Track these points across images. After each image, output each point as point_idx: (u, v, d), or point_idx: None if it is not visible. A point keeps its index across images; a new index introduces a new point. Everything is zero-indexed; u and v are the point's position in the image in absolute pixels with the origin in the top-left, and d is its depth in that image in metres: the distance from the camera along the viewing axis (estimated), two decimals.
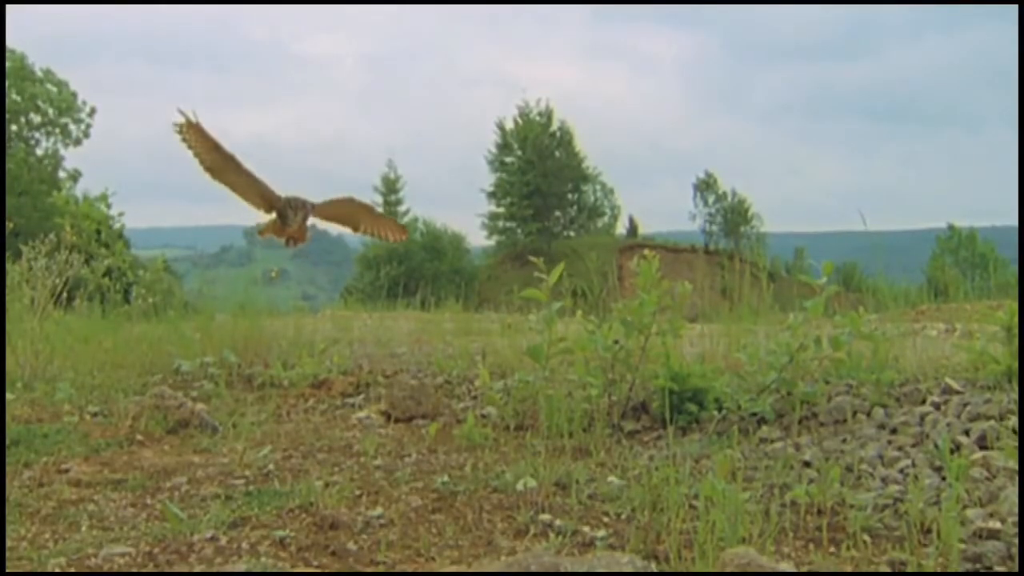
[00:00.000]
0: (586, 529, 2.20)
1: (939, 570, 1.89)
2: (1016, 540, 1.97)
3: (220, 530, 2.19)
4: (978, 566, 1.91)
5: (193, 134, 3.09)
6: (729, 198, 41.29)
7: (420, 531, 2.21)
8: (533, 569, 1.76)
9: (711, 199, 41.39)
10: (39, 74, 29.78)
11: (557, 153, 38.73)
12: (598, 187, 41.04)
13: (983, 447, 2.64)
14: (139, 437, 3.36)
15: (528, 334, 4.04)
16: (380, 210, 4.32)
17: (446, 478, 2.68)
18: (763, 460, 2.75)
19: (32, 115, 29.73)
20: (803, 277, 3.61)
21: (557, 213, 39.46)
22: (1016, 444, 2.57)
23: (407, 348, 5.51)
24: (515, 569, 1.80)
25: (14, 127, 29.01)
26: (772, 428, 3.14)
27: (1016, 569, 1.89)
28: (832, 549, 2.05)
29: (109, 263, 6.43)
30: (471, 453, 3.09)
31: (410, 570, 1.98)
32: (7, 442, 3.12)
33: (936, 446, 2.62)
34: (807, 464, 2.69)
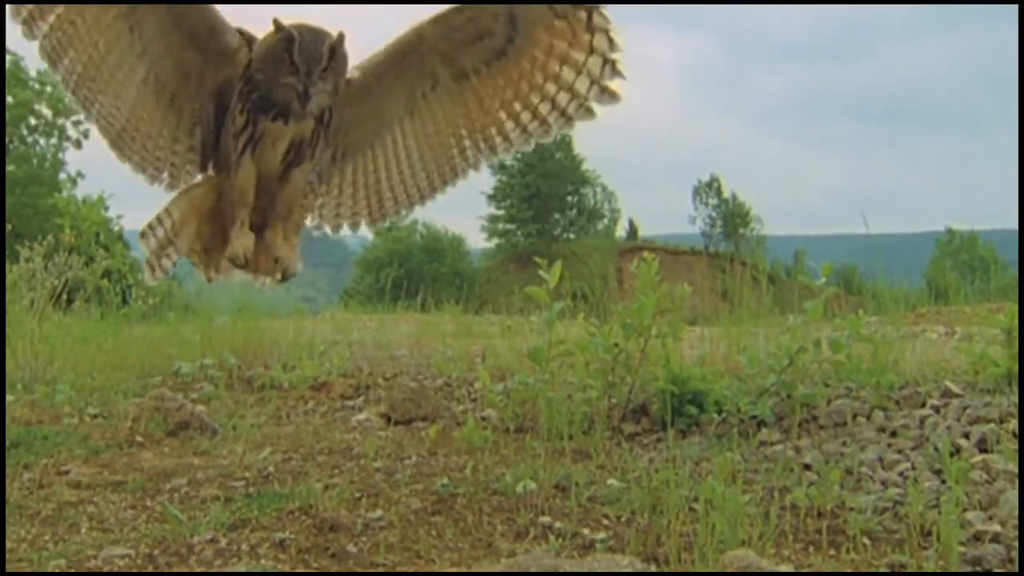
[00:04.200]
0: (586, 531, 2.20)
1: (939, 572, 1.89)
2: (1016, 543, 1.97)
3: (220, 532, 2.19)
4: (978, 569, 1.91)
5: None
6: (730, 202, 41.36)
7: (420, 533, 2.21)
8: (533, 571, 1.76)
9: (712, 202, 41.45)
10: (34, 75, 29.71)
11: (557, 155, 38.76)
12: (598, 189, 41.11)
13: (983, 450, 2.64)
14: (139, 439, 3.36)
15: (528, 336, 4.04)
16: None
17: (446, 480, 2.68)
18: (763, 463, 2.75)
19: (29, 119, 29.68)
20: (803, 278, 3.61)
21: (557, 215, 39.47)
22: (1016, 447, 2.57)
23: (407, 350, 5.51)
24: (515, 571, 1.80)
25: (11, 130, 28.96)
26: (772, 431, 3.14)
27: (1016, 571, 1.89)
28: (832, 552, 2.05)
29: (108, 264, 6.42)
30: (471, 455, 3.08)
31: (410, 572, 1.98)
32: (7, 444, 3.11)
33: (936, 449, 2.62)
34: (807, 467, 2.69)
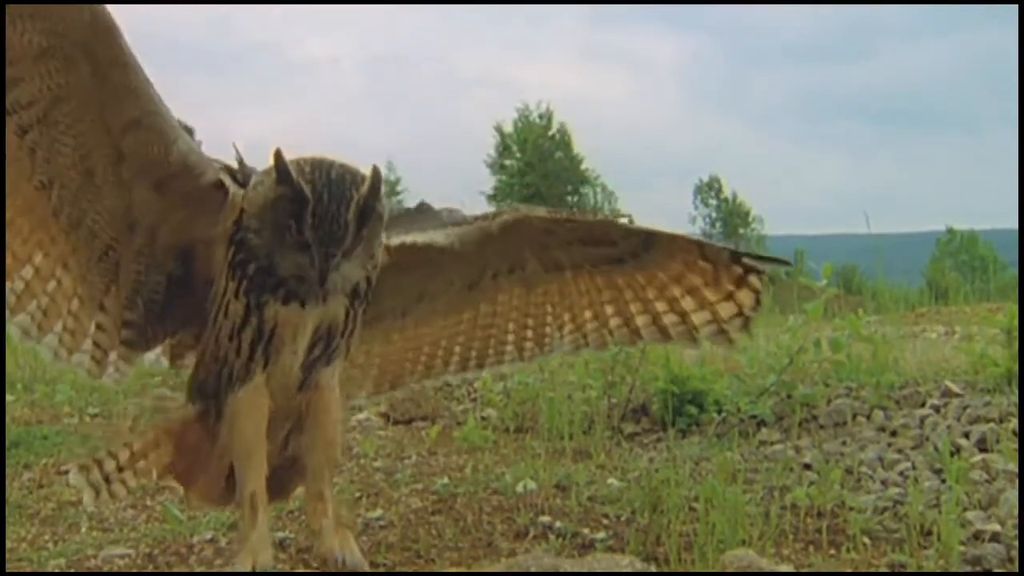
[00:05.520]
0: (586, 531, 2.20)
1: (939, 572, 1.89)
2: (1016, 542, 1.97)
3: (220, 531, 2.20)
4: (978, 568, 1.91)
5: None
6: (731, 202, 41.41)
7: (420, 533, 2.21)
8: (533, 571, 1.76)
9: (712, 202, 41.48)
10: None
11: (557, 155, 38.78)
12: (598, 189, 41.11)
13: (983, 450, 2.64)
14: None
15: None
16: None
17: (446, 480, 2.68)
18: (763, 462, 2.75)
19: None
20: (803, 279, 3.61)
21: None
22: (1016, 447, 2.57)
23: None
24: (515, 571, 1.80)
25: None
26: (772, 430, 3.14)
27: (1016, 571, 1.89)
28: (832, 551, 2.05)
29: None
30: (471, 455, 3.08)
31: (410, 572, 1.98)
32: (7, 444, 3.11)
33: (936, 449, 2.62)
34: (807, 466, 2.69)
